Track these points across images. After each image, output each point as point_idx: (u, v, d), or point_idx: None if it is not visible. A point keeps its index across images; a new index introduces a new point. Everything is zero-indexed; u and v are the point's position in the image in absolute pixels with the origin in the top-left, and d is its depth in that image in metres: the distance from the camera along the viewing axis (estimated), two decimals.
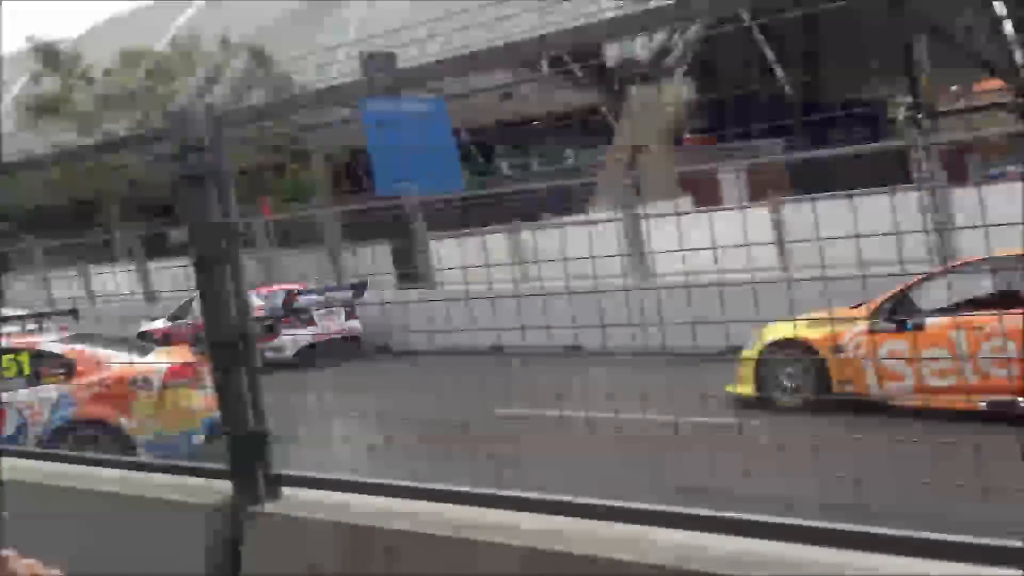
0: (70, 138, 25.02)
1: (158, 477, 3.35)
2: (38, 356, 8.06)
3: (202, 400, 7.32)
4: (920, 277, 6.73)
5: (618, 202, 15.49)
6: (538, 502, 2.41)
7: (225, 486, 2.98)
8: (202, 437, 7.52)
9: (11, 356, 7.90)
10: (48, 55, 28.86)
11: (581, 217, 15.43)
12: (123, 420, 7.70)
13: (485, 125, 27.84)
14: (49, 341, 8.24)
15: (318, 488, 2.88)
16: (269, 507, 2.87)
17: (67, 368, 8.03)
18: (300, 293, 13.51)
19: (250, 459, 2.91)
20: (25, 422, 7.72)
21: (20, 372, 7.85)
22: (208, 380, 8.77)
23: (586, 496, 2.33)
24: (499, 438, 2.80)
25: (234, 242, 2.95)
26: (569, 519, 2.33)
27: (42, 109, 28.36)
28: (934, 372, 5.95)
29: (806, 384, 7.10)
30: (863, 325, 6.36)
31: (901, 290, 6.43)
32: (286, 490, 2.93)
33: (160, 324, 14.00)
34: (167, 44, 30.65)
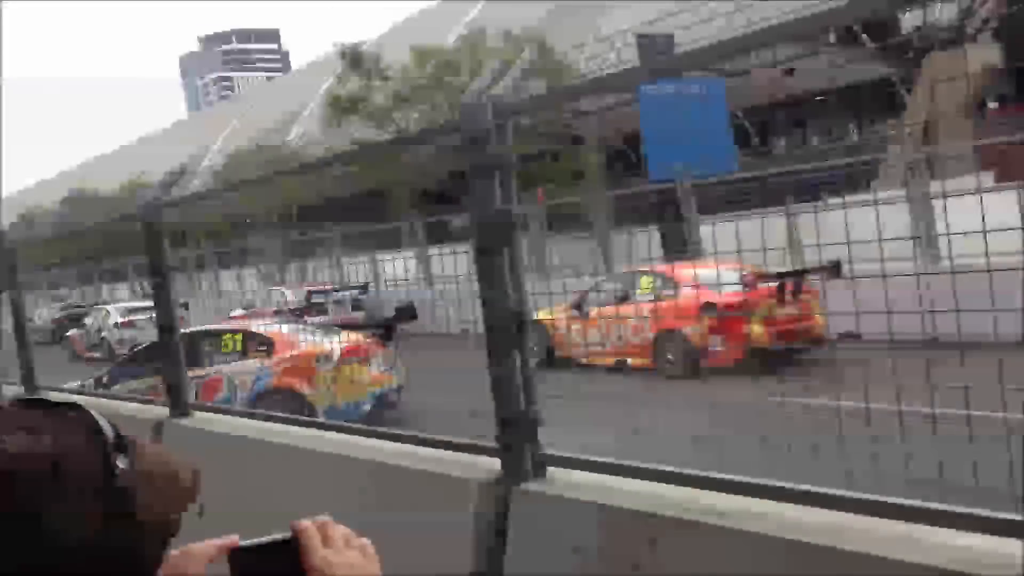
0: (366, 134, 27.13)
1: (422, 450, 3.49)
2: (247, 336, 9.94)
3: (370, 375, 8.96)
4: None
5: (907, 179, 14.45)
6: (807, 494, 2.34)
7: (493, 463, 3.09)
8: (368, 407, 8.79)
9: (229, 335, 9.88)
10: (351, 57, 31.34)
11: (865, 196, 14.54)
12: (307, 389, 9.22)
13: (764, 103, 26.91)
14: (256, 324, 10.04)
15: (585, 470, 2.91)
16: (535, 486, 2.94)
17: (267, 346, 9.84)
18: (314, 292, 14.56)
19: (519, 439, 3.00)
20: (236, 388, 9.52)
21: (234, 348, 9.81)
22: (376, 358, 9.45)
23: (861, 491, 2.24)
24: (775, 426, 2.73)
25: (514, 230, 3.09)
26: (842, 514, 2.24)
27: (344, 108, 30.88)
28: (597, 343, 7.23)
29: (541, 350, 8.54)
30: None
31: (585, 292, 8.76)
32: (552, 470, 2.99)
33: (240, 312, 15.65)
34: (456, 40, 32.36)
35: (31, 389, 6.68)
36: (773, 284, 6.79)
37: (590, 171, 25.75)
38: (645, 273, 10.10)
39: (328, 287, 15.04)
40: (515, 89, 3.30)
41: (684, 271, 7.57)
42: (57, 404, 0.99)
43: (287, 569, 1.08)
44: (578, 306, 8.02)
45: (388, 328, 8.46)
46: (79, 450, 0.94)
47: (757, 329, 8.36)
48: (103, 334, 21.00)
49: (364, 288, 14.01)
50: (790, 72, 24.65)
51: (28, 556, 0.89)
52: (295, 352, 9.56)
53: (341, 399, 8.88)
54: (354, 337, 9.22)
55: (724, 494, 2.52)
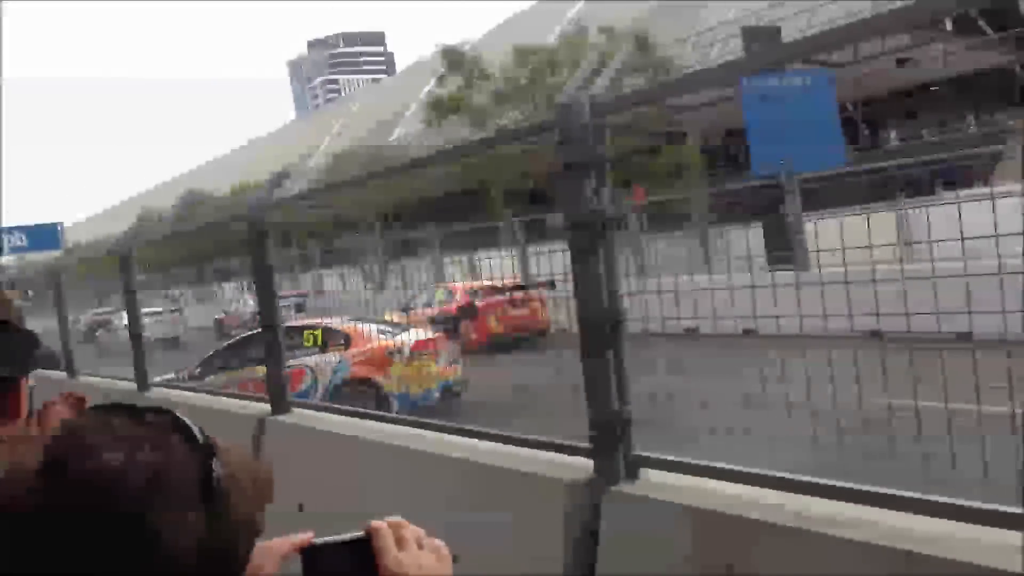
0: (466, 134, 27.38)
1: (513, 450, 3.49)
2: (326, 331, 10.51)
3: (438, 368, 9.69)
4: None
5: None
6: (905, 500, 2.24)
7: (585, 464, 3.06)
8: (437, 395, 9.57)
9: (310, 331, 10.36)
10: (451, 57, 31.70)
11: (981, 191, 13.88)
12: (381, 379, 10.06)
13: (875, 95, 26.05)
14: (334, 320, 10.67)
15: (677, 471, 2.87)
16: (627, 488, 2.91)
17: (345, 340, 10.66)
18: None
19: (611, 440, 2.97)
20: (316, 379, 10.06)
21: (315, 343, 10.23)
22: (443, 352, 10.14)
23: (964, 498, 2.13)
24: (870, 429, 2.62)
25: (608, 229, 3.05)
26: (944, 522, 2.15)
27: (444, 108, 31.26)
28: None
29: None
30: None
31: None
32: (646, 472, 2.96)
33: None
34: (556, 38, 32.39)
35: (143, 385, 6.96)
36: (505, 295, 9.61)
37: (691, 168, 25.39)
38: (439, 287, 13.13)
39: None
40: (613, 86, 3.26)
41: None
42: (143, 410, 0.99)
43: (360, 569, 1.07)
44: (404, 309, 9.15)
45: (455, 324, 9.16)
46: (177, 458, 0.94)
47: (494, 323, 10.48)
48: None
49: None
50: (903, 62, 23.77)
51: (138, 569, 0.90)
52: (370, 346, 10.34)
53: (412, 388, 9.62)
54: (424, 332, 9.86)
55: (823, 499, 2.43)
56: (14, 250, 23.37)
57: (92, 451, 0.92)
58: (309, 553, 1.07)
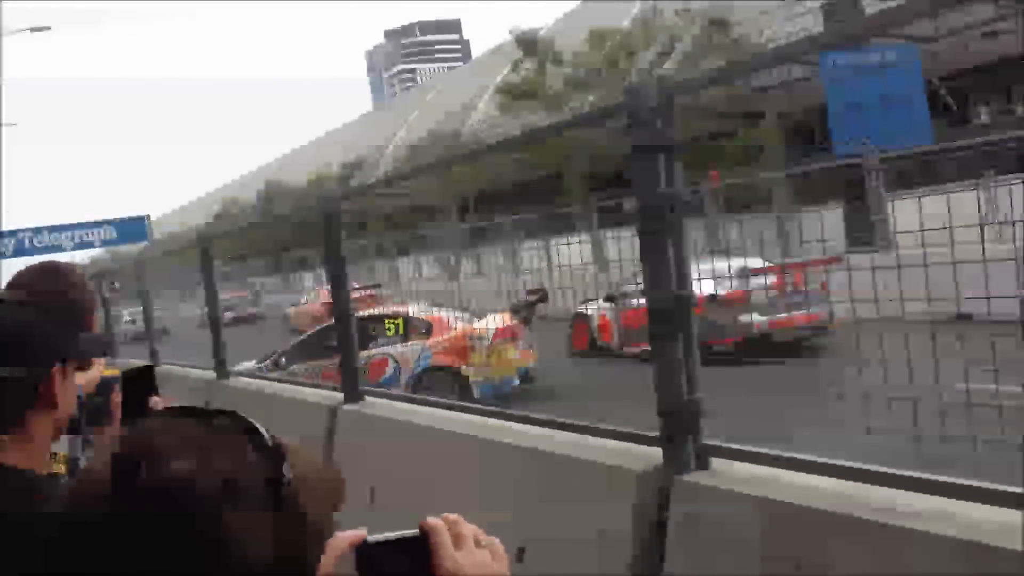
0: (539, 119, 27.28)
1: (581, 438, 3.46)
2: (407, 320, 10.81)
3: (519, 354, 9.80)
4: None
5: None
6: (990, 492, 2.14)
7: (655, 453, 3.02)
8: (516, 381, 9.69)
9: (391, 320, 10.71)
10: (525, 43, 31.62)
11: None
12: (463, 367, 10.17)
13: (962, 69, 25.08)
14: (415, 308, 10.77)
15: (748, 461, 2.81)
16: (697, 477, 2.87)
17: (427, 329, 10.87)
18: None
19: (681, 429, 2.92)
20: (399, 368, 10.41)
21: (397, 332, 10.70)
22: (524, 338, 9.86)
23: None
24: (952, 416, 2.49)
25: (677, 212, 2.98)
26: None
27: (518, 95, 31.22)
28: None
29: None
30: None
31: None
32: (716, 461, 2.90)
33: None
34: (631, 21, 32.03)
35: (221, 372, 7.11)
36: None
37: (770, 149, 24.85)
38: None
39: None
40: (686, 67, 3.18)
41: None
42: (212, 413, 0.99)
43: (415, 568, 1.04)
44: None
45: (529, 310, 9.19)
46: (247, 463, 0.93)
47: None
48: None
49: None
50: (990, 35, 22.83)
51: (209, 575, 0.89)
52: (452, 334, 10.39)
53: (493, 375, 9.76)
54: (505, 318, 9.76)
55: (903, 491, 2.34)
56: (104, 243, 24.24)
57: (162, 457, 0.91)
58: (363, 551, 1.04)
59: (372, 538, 1.04)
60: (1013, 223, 2.63)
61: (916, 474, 2.32)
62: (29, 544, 1.23)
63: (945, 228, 2.61)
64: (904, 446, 2.56)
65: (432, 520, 1.06)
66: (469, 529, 1.08)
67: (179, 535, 0.89)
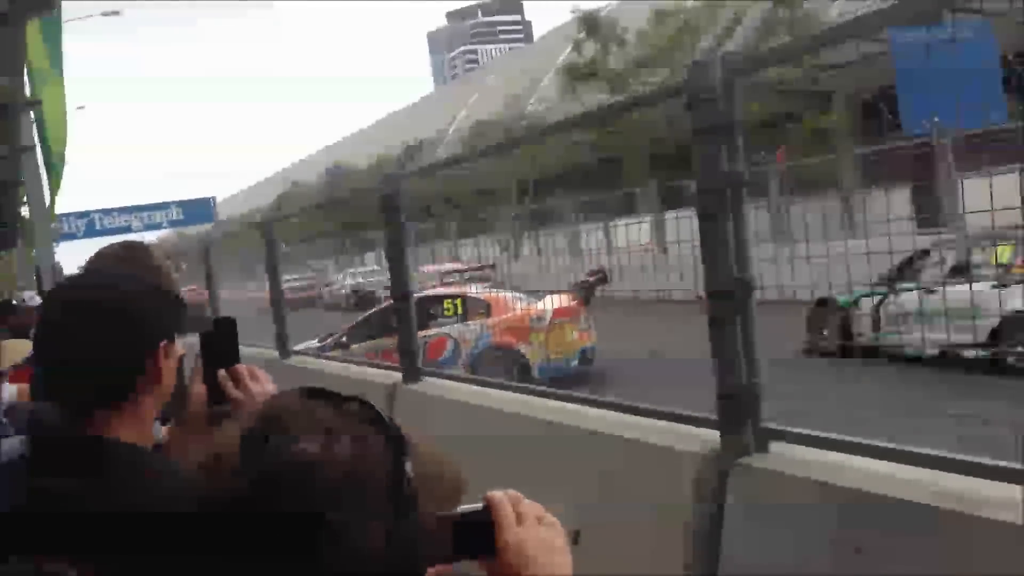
0: (602, 99, 27.05)
1: (638, 420, 3.43)
2: (466, 300, 10.76)
3: (578, 334, 9.75)
4: None
5: None
6: None
7: (713, 436, 2.98)
8: (576, 362, 9.63)
9: (450, 300, 10.67)
10: (588, 23, 31.35)
11: None
12: (523, 347, 10.02)
13: None
14: (474, 289, 10.91)
15: (810, 445, 2.75)
16: (756, 461, 2.82)
17: (486, 309, 10.73)
18: None
19: (739, 412, 2.88)
20: (458, 347, 10.40)
21: (456, 312, 10.65)
22: (583, 319, 9.70)
23: None
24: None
25: (737, 193, 2.93)
26: None
27: (580, 74, 31.00)
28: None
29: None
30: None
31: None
32: (776, 445, 2.85)
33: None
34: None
35: (284, 352, 7.22)
36: None
37: (838, 128, 24.29)
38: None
39: None
40: (752, 44, 3.11)
41: None
42: (344, 398, 0.99)
43: (479, 543, 1.04)
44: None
45: (589, 291, 9.02)
46: (374, 455, 0.93)
47: None
48: None
49: None
50: None
51: (318, 567, 0.89)
52: (511, 314, 10.27)
53: (553, 356, 9.57)
54: (563, 299, 9.60)
55: (966, 477, 2.27)
56: (172, 223, 24.79)
57: (291, 436, 0.91)
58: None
59: (438, 513, 1.04)
60: None
61: (986, 461, 2.25)
62: (142, 519, 1.24)
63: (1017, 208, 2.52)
64: (974, 431, 2.48)
65: (496, 495, 1.07)
66: (531, 507, 1.08)
67: (299, 517, 0.88)
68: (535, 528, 1.06)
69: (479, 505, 1.06)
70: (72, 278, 1.98)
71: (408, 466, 0.94)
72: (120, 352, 1.46)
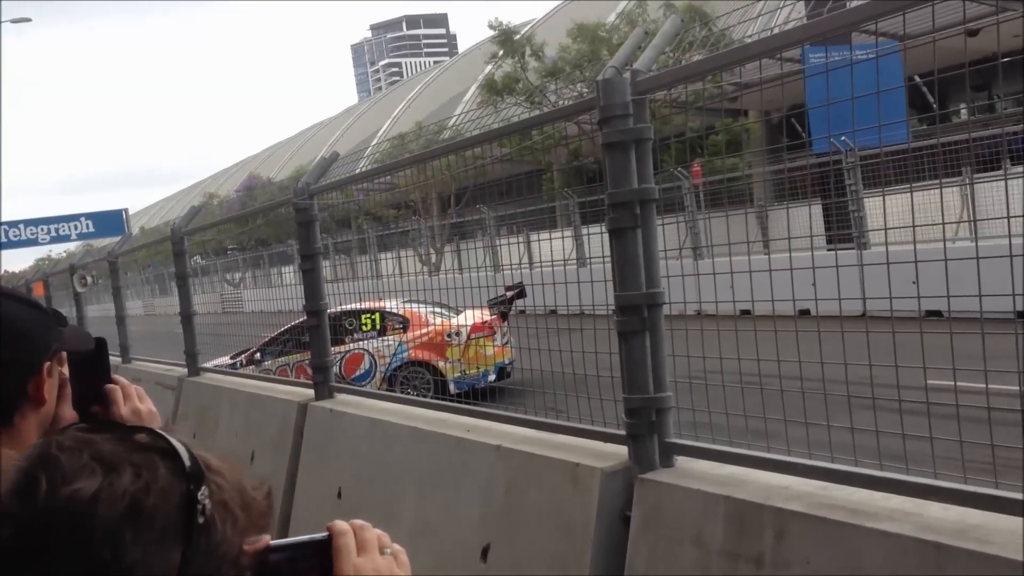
0: (517, 112, 27.20)
1: (547, 435, 3.45)
2: (384, 315, 10.72)
3: (495, 349, 9.70)
4: None
5: None
6: (944, 490, 2.13)
7: (620, 451, 3.01)
8: (493, 376, 9.50)
9: (368, 315, 10.62)
10: (505, 37, 31.54)
11: None
12: (440, 362, 10.03)
13: (946, 66, 25.20)
14: (391, 304, 10.63)
15: (712, 459, 2.80)
16: (661, 475, 2.86)
17: (403, 324, 10.78)
18: None
19: (646, 426, 2.91)
20: (375, 362, 10.35)
21: (373, 327, 10.61)
22: (500, 334, 9.70)
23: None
24: (920, 412, 2.46)
25: (646, 209, 2.94)
26: (986, 513, 2.05)
27: (498, 89, 31.17)
28: None
29: None
30: None
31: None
32: (681, 459, 2.89)
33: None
34: (616, 15, 32.04)
35: (193, 369, 7.02)
36: None
37: (751, 144, 24.88)
38: None
39: None
40: (665, 61, 3.15)
41: None
42: (129, 429, 0.95)
43: (316, 571, 1.05)
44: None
45: (507, 305, 9.13)
46: (160, 487, 0.89)
47: None
48: None
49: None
50: (974, 33, 22.96)
51: None
52: (428, 329, 10.38)
53: (469, 371, 9.62)
54: (481, 313, 9.92)
55: (856, 488, 2.34)
56: (81, 236, 23.99)
57: (66, 475, 0.87)
58: (265, 555, 1.03)
59: (276, 542, 1.04)
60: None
61: (878, 473, 2.30)
62: None
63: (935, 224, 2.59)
64: (871, 441, 2.53)
65: (339, 524, 1.08)
66: (375, 535, 1.09)
67: (75, 560, 0.84)
68: (375, 557, 1.07)
69: (324, 534, 1.06)
70: None
71: (202, 493, 0.91)
72: (3, 376, 1.38)
